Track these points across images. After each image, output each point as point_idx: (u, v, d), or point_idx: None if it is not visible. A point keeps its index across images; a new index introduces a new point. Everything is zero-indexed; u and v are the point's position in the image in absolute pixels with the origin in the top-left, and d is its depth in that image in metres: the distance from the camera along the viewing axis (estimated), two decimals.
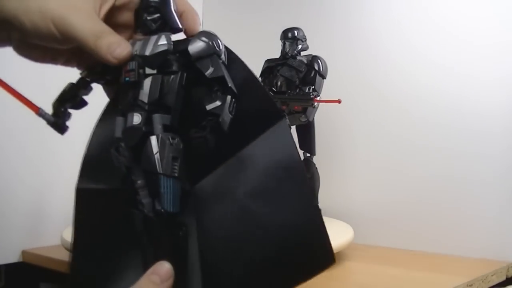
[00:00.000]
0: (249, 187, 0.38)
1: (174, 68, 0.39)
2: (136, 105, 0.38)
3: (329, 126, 1.00)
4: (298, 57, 0.87)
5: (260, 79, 0.89)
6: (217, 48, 0.40)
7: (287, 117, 0.87)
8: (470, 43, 0.88)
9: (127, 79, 0.39)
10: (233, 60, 0.41)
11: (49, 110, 0.42)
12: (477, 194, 0.86)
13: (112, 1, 0.42)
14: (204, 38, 0.40)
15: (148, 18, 0.40)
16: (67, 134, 0.43)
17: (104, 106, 0.46)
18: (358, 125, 1.00)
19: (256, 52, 0.99)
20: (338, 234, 0.85)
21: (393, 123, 0.96)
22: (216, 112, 0.38)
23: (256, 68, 0.89)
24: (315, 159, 0.88)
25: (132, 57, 0.39)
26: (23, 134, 0.92)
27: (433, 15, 0.92)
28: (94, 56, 0.40)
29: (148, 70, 0.39)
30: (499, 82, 0.85)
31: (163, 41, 0.39)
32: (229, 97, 0.38)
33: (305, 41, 0.89)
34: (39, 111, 0.41)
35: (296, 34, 0.88)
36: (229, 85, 0.39)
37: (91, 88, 0.44)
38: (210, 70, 0.39)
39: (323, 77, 0.87)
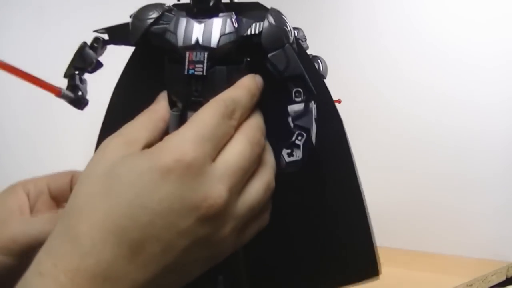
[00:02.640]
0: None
1: (238, 56, 0.32)
2: (199, 104, 0.30)
3: None
4: None
5: None
6: (290, 36, 0.33)
7: None
8: (472, 41, 0.87)
9: (192, 71, 0.31)
10: (300, 48, 0.34)
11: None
12: (477, 194, 0.86)
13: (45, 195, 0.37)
14: (278, 23, 0.33)
15: None
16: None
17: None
18: (358, 125, 1.00)
19: None
20: None
21: (393, 124, 0.95)
22: (305, 127, 0.31)
23: None
24: None
25: (193, 46, 0.31)
26: (26, 125, 0.91)
27: (435, 13, 0.91)
28: None
29: (212, 62, 0.31)
30: (501, 81, 0.84)
31: (230, 28, 0.31)
32: (314, 106, 0.32)
33: (305, 41, 0.89)
34: (61, 93, 0.34)
35: (296, 34, 0.88)
36: (311, 86, 0.32)
37: (105, 48, 0.36)
38: (284, 65, 0.32)
39: (323, 77, 0.87)
